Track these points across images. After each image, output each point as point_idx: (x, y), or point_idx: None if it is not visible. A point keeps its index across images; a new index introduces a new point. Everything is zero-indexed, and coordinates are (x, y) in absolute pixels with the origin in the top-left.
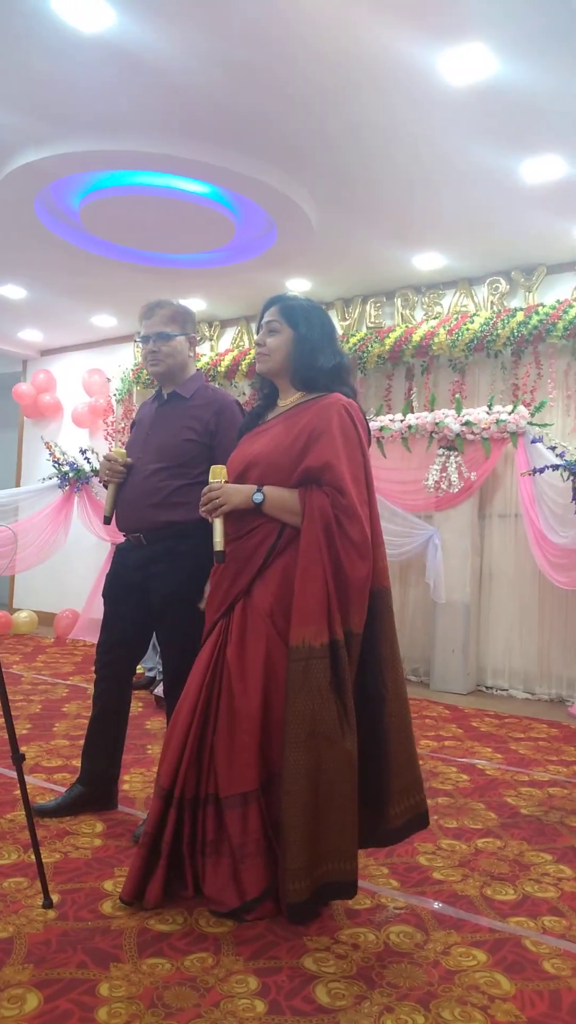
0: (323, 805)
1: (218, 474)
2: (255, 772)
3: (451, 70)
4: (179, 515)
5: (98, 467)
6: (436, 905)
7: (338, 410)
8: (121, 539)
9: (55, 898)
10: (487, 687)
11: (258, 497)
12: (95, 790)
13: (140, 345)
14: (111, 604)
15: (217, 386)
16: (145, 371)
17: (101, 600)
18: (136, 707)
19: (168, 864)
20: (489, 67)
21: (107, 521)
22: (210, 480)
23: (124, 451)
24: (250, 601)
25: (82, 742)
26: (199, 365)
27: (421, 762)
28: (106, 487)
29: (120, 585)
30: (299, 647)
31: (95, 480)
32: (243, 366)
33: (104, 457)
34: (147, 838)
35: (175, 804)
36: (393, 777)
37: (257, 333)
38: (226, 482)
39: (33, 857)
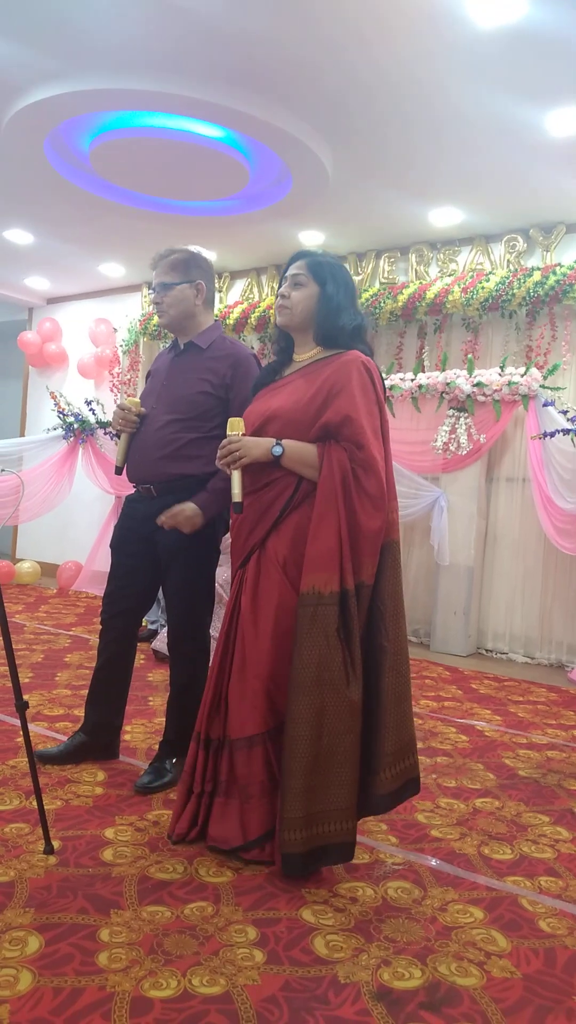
0: (325, 756)
1: (236, 426)
2: (262, 716)
3: (479, 11)
4: (191, 468)
5: (103, 418)
6: (434, 862)
7: (357, 367)
8: (131, 491)
9: (56, 844)
10: (487, 650)
11: (277, 450)
12: (97, 739)
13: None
14: (119, 555)
15: (235, 339)
16: (153, 322)
17: (104, 552)
18: (138, 659)
19: (195, 803)
20: (519, 8)
21: (119, 471)
22: (228, 433)
23: (138, 400)
24: (264, 552)
25: (84, 692)
26: None
27: (420, 721)
28: (118, 437)
29: (129, 537)
30: (308, 593)
31: (100, 432)
32: (252, 319)
33: (118, 406)
34: (187, 776)
35: (202, 745)
36: (386, 737)
37: (280, 285)
38: (244, 435)
39: (35, 803)
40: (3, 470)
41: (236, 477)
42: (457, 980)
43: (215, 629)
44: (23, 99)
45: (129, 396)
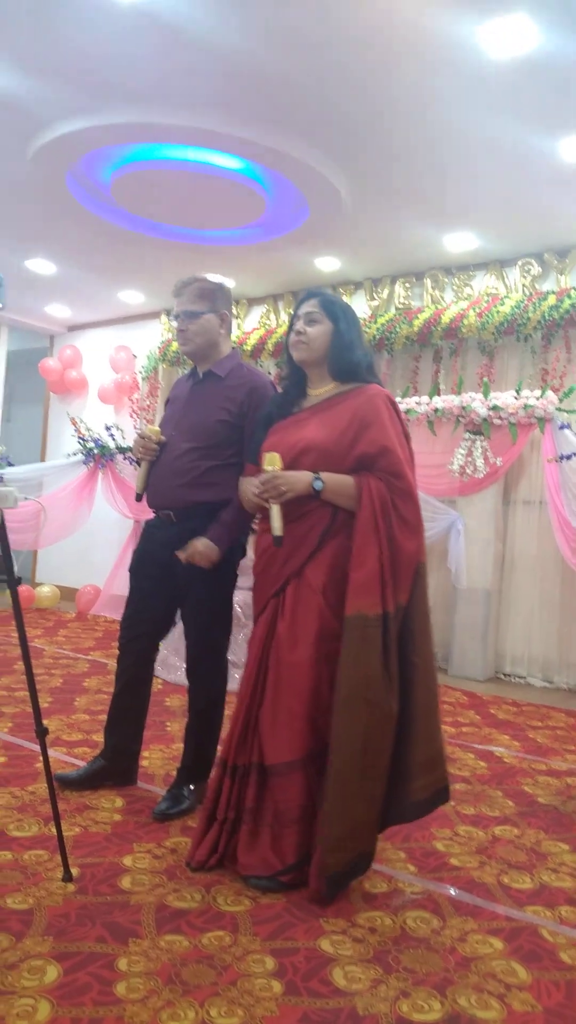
0: (369, 771)
1: (274, 461)
2: (303, 740)
3: (492, 43)
4: (209, 495)
5: (123, 444)
6: (453, 891)
7: (383, 400)
8: (150, 516)
9: (74, 872)
10: (505, 674)
11: (318, 484)
12: (116, 764)
13: (173, 323)
14: (137, 580)
15: (253, 366)
16: (172, 348)
17: (123, 577)
18: (156, 684)
19: (217, 830)
20: (531, 40)
21: (139, 498)
22: (265, 468)
23: (158, 429)
24: (302, 580)
25: (102, 717)
26: None
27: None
28: (139, 464)
29: (148, 562)
30: (356, 617)
31: (120, 457)
32: (269, 345)
33: (138, 434)
34: (209, 802)
35: (229, 773)
36: (416, 749)
37: (293, 321)
38: (282, 469)
39: (53, 830)
40: (25, 497)
41: (276, 511)
42: (477, 1013)
43: (233, 653)
44: (47, 133)
45: (148, 422)
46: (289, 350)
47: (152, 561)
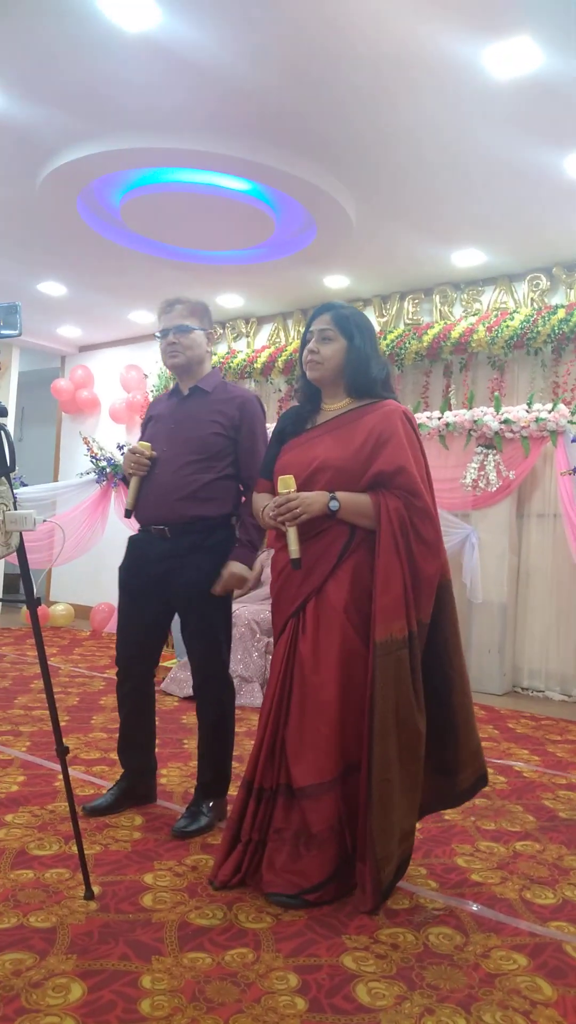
0: (402, 791)
1: (288, 484)
2: (333, 762)
3: (496, 64)
4: (208, 510)
5: None
6: (475, 907)
7: (400, 417)
8: (134, 531)
9: (96, 890)
10: (523, 688)
11: (334, 505)
12: (138, 785)
13: (159, 339)
14: (131, 598)
15: (234, 383)
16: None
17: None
18: (172, 702)
19: (241, 850)
20: (534, 60)
21: (129, 514)
22: (280, 490)
23: (149, 444)
24: (324, 598)
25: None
26: (236, 362)
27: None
28: (128, 479)
29: (141, 578)
30: (387, 641)
31: None
32: (279, 362)
33: (129, 450)
34: (232, 823)
35: (255, 794)
36: (462, 747)
37: (305, 338)
38: (296, 490)
39: (74, 848)
40: (44, 519)
41: (293, 534)
42: None
43: (244, 667)
44: (57, 159)
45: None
46: (303, 367)
47: (145, 578)
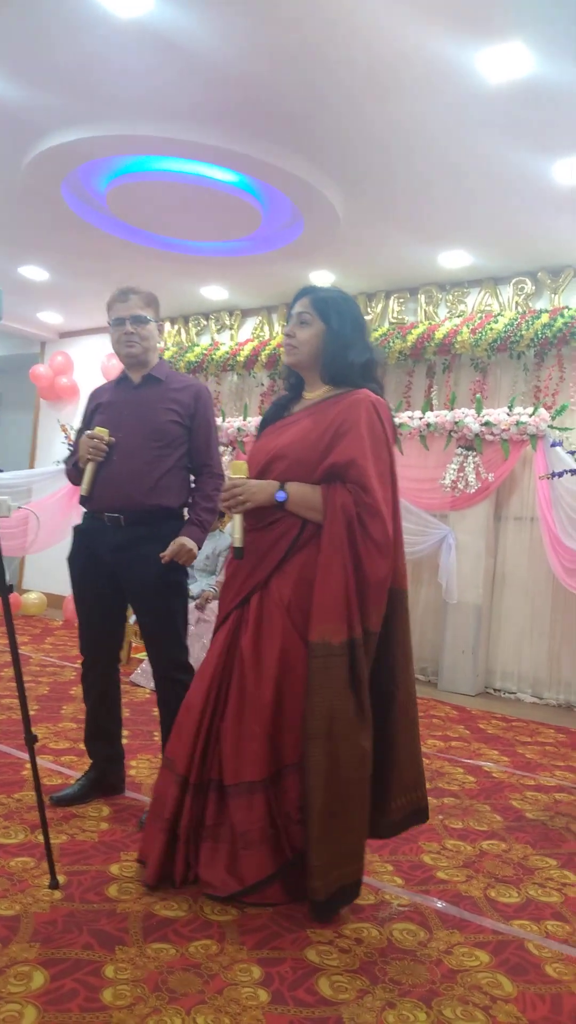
0: (340, 803)
1: (239, 470)
2: (264, 762)
3: (488, 68)
4: (165, 500)
5: None
6: (440, 904)
7: (366, 407)
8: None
9: (61, 879)
10: (495, 689)
11: (281, 496)
12: (107, 774)
13: (111, 328)
14: (85, 590)
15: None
16: (164, 357)
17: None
18: (144, 694)
19: (184, 847)
20: (526, 66)
21: (85, 501)
22: (231, 475)
23: (107, 430)
24: (268, 593)
25: None
26: (218, 354)
27: (428, 761)
28: (75, 466)
29: (93, 569)
30: (319, 644)
31: None
32: (263, 356)
33: (87, 435)
34: (165, 823)
35: (191, 790)
36: (397, 773)
37: (287, 323)
38: (248, 477)
39: (40, 838)
40: (18, 506)
41: (238, 521)
42: None
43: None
44: (43, 143)
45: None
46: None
47: (98, 567)
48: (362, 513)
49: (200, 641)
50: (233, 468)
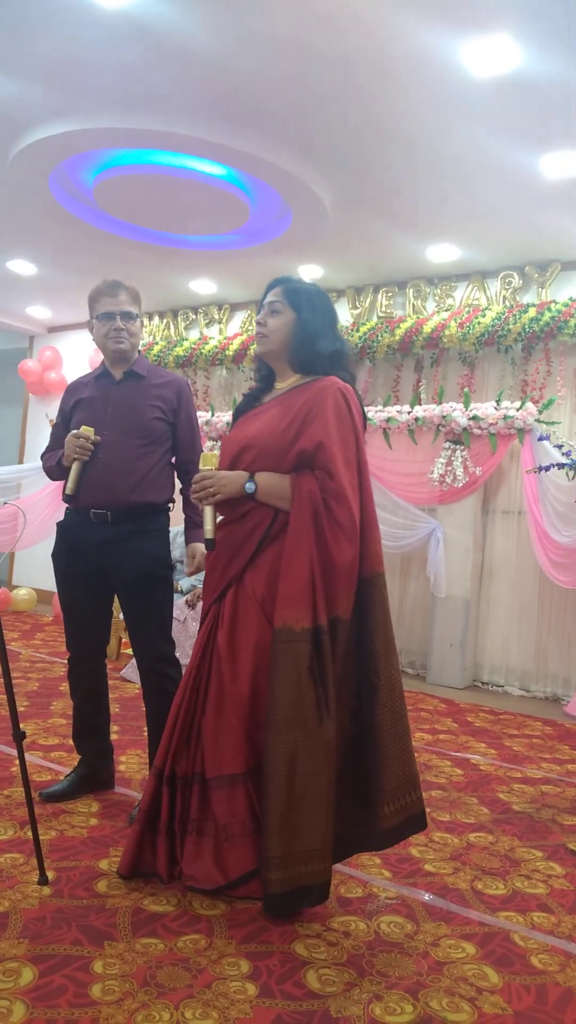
0: (299, 796)
1: (209, 461)
2: (243, 755)
3: (474, 61)
4: (152, 496)
5: None
6: (427, 897)
7: (333, 393)
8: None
9: (50, 875)
10: (483, 683)
11: (250, 487)
12: (93, 771)
13: (98, 322)
14: (71, 586)
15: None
16: (153, 352)
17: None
18: (133, 689)
19: (167, 840)
20: (513, 59)
21: (69, 499)
22: (201, 467)
23: (92, 429)
24: (242, 588)
25: None
26: (207, 348)
27: (415, 754)
28: (69, 464)
29: (79, 565)
30: (281, 630)
31: None
32: (251, 350)
33: (73, 434)
34: (142, 815)
35: (166, 782)
36: (385, 773)
37: (259, 313)
38: (218, 468)
39: (29, 834)
40: (4, 502)
41: (209, 513)
42: (448, 1016)
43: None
44: (29, 135)
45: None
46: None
47: (85, 563)
48: (328, 498)
49: (192, 639)
50: (203, 460)
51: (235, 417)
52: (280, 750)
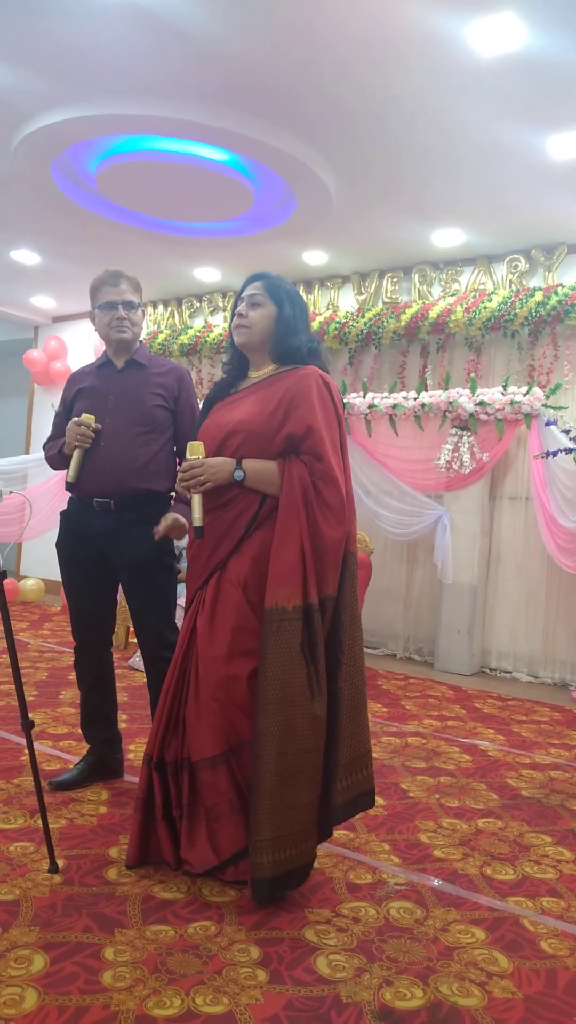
0: (291, 775)
1: (196, 450)
2: (222, 736)
3: (480, 40)
4: (154, 484)
5: None
6: (436, 882)
7: (316, 380)
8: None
9: (61, 863)
10: (491, 669)
11: (239, 475)
12: (102, 759)
13: (100, 312)
14: (75, 574)
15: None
16: (158, 340)
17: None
18: (142, 677)
19: (166, 826)
20: (519, 37)
21: (72, 487)
22: (188, 456)
23: (93, 417)
24: (225, 573)
25: None
26: (212, 336)
27: (424, 741)
28: (70, 452)
29: (83, 553)
30: (272, 609)
31: None
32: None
33: (74, 422)
34: (139, 804)
35: (155, 768)
36: (340, 747)
37: (236, 303)
38: (204, 456)
39: (39, 822)
40: (11, 491)
41: (197, 501)
42: (459, 1001)
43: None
44: (31, 124)
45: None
46: (232, 333)
47: (89, 551)
48: (317, 480)
49: None
50: (190, 448)
51: (208, 406)
52: (270, 729)
